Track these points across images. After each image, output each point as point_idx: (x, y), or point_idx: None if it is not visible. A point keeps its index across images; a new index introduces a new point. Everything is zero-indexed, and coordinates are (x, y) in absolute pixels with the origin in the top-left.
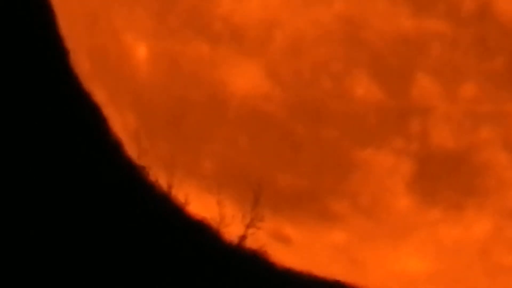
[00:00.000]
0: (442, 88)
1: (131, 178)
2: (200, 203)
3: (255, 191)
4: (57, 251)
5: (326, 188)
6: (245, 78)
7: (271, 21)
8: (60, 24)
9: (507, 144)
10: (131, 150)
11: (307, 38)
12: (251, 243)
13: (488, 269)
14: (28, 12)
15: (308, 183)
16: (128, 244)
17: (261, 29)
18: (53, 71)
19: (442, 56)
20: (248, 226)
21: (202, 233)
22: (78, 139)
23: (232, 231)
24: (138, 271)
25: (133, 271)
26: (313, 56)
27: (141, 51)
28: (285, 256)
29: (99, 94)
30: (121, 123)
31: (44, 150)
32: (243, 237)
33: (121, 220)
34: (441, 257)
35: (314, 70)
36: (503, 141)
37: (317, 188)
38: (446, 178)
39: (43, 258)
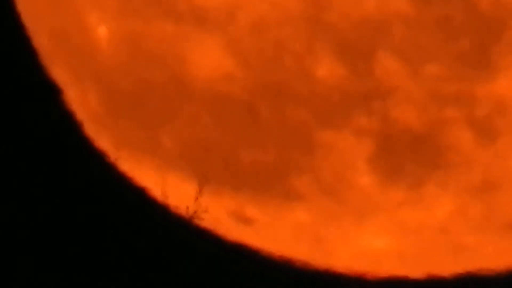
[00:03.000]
0: (405, 68)
1: (90, 159)
2: (161, 182)
3: (200, 182)
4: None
5: (289, 166)
6: (207, 58)
7: (234, 1)
8: (19, 5)
9: (471, 123)
10: (92, 130)
11: (270, 19)
12: (210, 223)
13: (450, 249)
14: None
15: (271, 162)
16: (87, 227)
17: (224, 9)
18: (12, 52)
19: (405, 37)
20: (191, 218)
21: (161, 212)
22: (38, 121)
23: (191, 208)
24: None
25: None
26: (276, 36)
27: (103, 31)
28: (247, 237)
29: (60, 75)
30: (82, 104)
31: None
32: (199, 216)
33: (78, 201)
34: (403, 237)
35: (276, 50)
36: (467, 120)
37: (280, 167)
38: (408, 157)
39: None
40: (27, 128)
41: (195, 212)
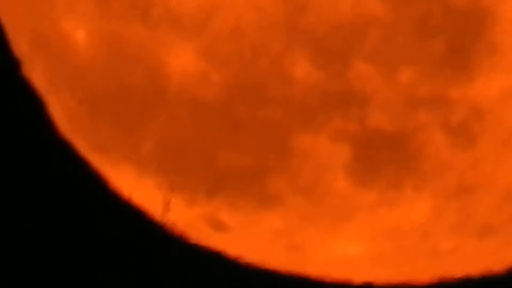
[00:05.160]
0: (379, 72)
1: (68, 161)
2: (137, 186)
3: (164, 196)
4: None
5: (265, 169)
6: (184, 60)
7: (210, 5)
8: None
9: (446, 127)
10: (71, 135)
11: (247, 22)
12: (184, 228)
13: (428, 253)
14: None
15: (248, 164)
16: (59, 227)
17: (200, 14)
18: None
19: (380, 41)
20: (163, 223)
21: (139, 217)
22: (16, 127)
23: (169, 215)
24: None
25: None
26: (253, 39)
27: (80, 34)
28: (221, 243)
29: (39, 80)
30: (61, 109)
31: None
32: (170, 221)
33: (54, 203)
34: (380, 241)
35: (253, 52)
36: (441, 124)
37: (257, 169)
38: (383, 161)
39: None
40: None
41: (165, 216)
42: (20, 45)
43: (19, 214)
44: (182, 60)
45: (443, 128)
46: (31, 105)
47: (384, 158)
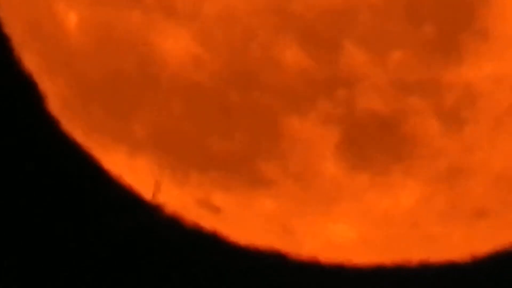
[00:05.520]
0: (370, 57)
1: (61, 146)
2: (129, 168)
3: (156, 178)
4: None
5: (256, 153)
6: (176, 45)
7: None
8: None
9: (437, 112)
10: (64, 118)
11: (237, 9)
12: (180, 211)
13: (418, 239)
14: None
15: (239, 148)
16: (55, 210)
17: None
18: None
19: (370, 25)
20: (155, 204)
21: (131, 199)
22: (9, 112)
23: (161, 198)
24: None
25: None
26: (244, 24)
27: (72, 19)
28: (213, 224)
29: (32, 65)
30: (54, 93)
31: None
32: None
33: (48, 186)
34: (371, 226)
35: (244, 38)
36: (433, 109)
37: (248, 153)
38: (373, 145)
39: None
40: None
41: (156, 197)
42: (14, 30)
43: (15, 195)
44: (174, 46)
45: (434, 113)
46: (24, 89)
47: (375, 142)
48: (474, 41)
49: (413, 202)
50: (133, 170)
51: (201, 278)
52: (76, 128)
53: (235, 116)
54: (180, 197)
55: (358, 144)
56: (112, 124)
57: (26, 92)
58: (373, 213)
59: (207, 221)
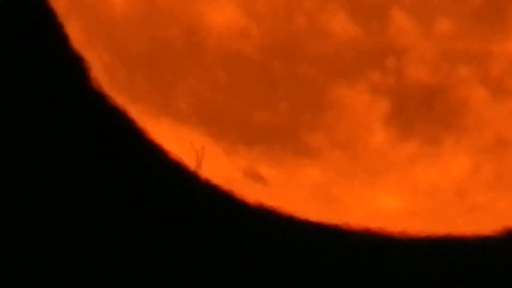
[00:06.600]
0: (418, 26)
1: (105, 114)
2: (175, 140)
3: (197, 154)
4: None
5: (302, 124)
6: (221, 15)
7: None
8: None
9: (485, 81)
10: (110, 88)
11: None
12: (225, 182)
13: (464, 208)
14: None
15: (285, 119)
16: (103, 183)
17: None
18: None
19: None
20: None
21: (176, 170)
22: (57, 82)
23: (206, 169)
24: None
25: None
26: None
27: None
28: (260, 196)
29: (77, 37)
30: (100, 64)
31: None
32: (214, 176)
33: (100, 160)
34: (418, 196)
35: (288, 7)
36: (480, 78)
37: (294, 124)
38: (422, 114)
39: None
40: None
41: (200, 167)
42: (58, 2)
43: (60, 159)
44: (219, 16)
45: (481, 82)
46: (70, 60)
47: (423, 112)
48: None
49: (462, 173)
50: (178, 140)
51: (248, 248)
52: (120, 99)
53: (279, 87)
54: (224, 169)
55: (407, 114)
56: (156, 95)
57: (72, 63)
58: (420, 183)
59: (253, 191)
